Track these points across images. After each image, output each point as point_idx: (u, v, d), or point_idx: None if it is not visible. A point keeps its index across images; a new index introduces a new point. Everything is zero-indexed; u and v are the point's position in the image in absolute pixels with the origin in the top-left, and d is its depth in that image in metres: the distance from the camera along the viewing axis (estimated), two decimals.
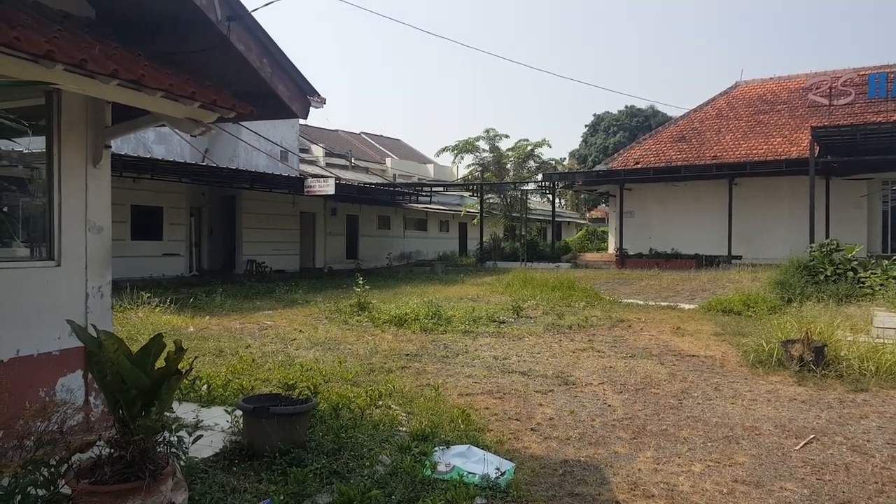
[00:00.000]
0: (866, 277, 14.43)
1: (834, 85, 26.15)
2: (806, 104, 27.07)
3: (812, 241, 18.60)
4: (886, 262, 15.20)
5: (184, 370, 3.60)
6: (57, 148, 4.52)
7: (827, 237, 19.13)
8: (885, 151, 21.08)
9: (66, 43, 3.65)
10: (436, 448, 4.76)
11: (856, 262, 15.21)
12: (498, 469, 4.42)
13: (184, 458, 3.80)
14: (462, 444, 4.87)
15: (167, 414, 3.70)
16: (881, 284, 13.95)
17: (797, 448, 5.23)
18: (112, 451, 3.28)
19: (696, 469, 4.76)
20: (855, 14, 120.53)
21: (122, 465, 3.24)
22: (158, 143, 22.01)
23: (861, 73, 26.35)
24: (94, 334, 3.40)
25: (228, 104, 4.65)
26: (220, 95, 4.60)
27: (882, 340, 8.48)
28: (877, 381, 7.25)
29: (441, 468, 4.40)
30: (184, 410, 5.35)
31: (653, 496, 4.27)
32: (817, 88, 26.67)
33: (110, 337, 3.38)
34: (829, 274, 14.85)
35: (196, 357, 7.10)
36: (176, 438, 3.69)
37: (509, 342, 9.99)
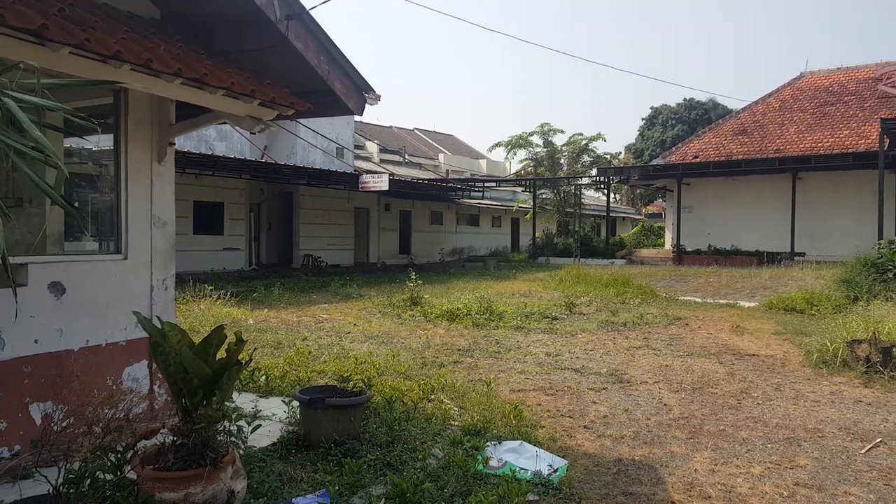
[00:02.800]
0: None
1: None
2: (875, 95, 25.84)
3: (880, 237, 17.74)
4: None
5: (243, 361, 3.70)
6: (124, 145, 4.71)
7: None
8: None
9: (132, 43, 3.79)
10: (488, 443, 4.76)
11: None
12: (550, 466, 4.39)
13: (243, 446, 3.91)
14: (514, 439, 4.86)
15: (227, 404, 3.82)
16: None
17: (863, 452, 5.01)
18: (175, 438, 3.40)
19: (755, 471, 4.62)
20: None
21: (185, 453, 3.35)
22: (219, 140, 22.68)
23: None
24: (159, 325, 3.53)
25: (287, 102, 4.75)
26: (278, 93, 4.70)
27: None
28: None
29: (493, 463, 4.40)
30: (243, 400, 5.51)
31: (710, 497, 4.16)
32: (888, 78, 25.44)
33: (174, 328, 3.51)
34: None
35: (255, 349, 7.28)
36: (235, 428, 3.79)
37: (562, 339, 9.89)
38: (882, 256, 14.79)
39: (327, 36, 5.19)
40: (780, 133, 26.75)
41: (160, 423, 3.71)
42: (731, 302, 14.68)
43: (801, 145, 25.25)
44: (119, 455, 3.30)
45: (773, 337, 10.07)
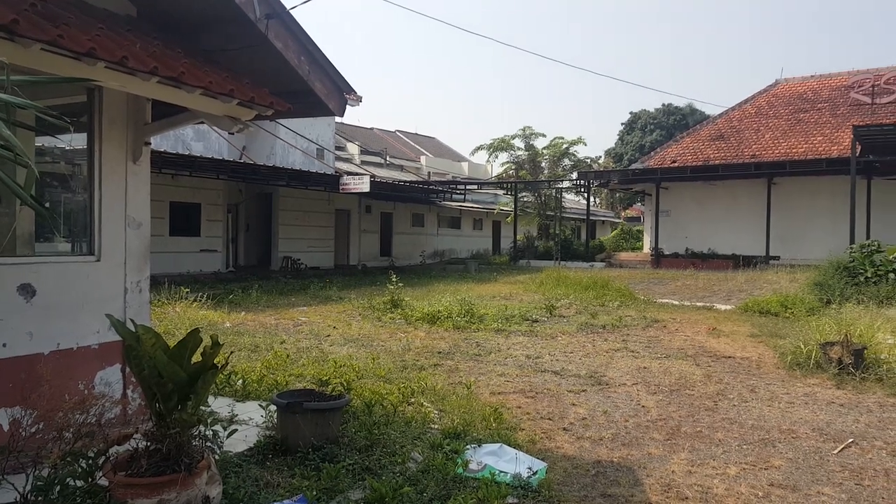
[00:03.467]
0: None
1: (877, 83, 25.41)
2: (848, 102, 26.38)
3: (852, 241, 18.09)
4: None
5: (220, 365, 3.65)
6: (98, 144, 4.62)
7: (868, 238, 18.56)
8: None
9: (107, 41, 3.73)
10: (467, 446, 4.75)
11: None
12: (530, 468, 4.39)
13: (218, 451, 3.86)
14: (494, 442, 4.85)
15: (203, 408, 3.76)
16: None
17: (835, 452, 5.09)
18: (149, 444, 3.34)
19: (731, 472, 4.67)
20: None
21: (159, 458, 3.29)
22: (197, 140, 22.43)
23: None
24: (133, 328, 3.47)
25: (266, 101, 4.70)
26: (257, 93, 4.65)
27: None
28: None
29: (473, 466, 4.39)
30: (219, 405, 5.44)
31: (686, 498, 4.19)
32: (860, 87, 25.96)
33: (148, 331, 3.45)
34: (869, 275, 14.43)
35: (232, 352, 7.19)
36: (211, 432, 3.75)
37: (542, 341, 9.92)
38: (854, 260, 15.08)
39: (308, 36, 5.16)
40: (755, 139, 27.16)
41: (133, 429, 3.64)
42: (707, 304, 14.84)
43: (777, 151, 25.67)
44: (90, 461, 3.23)
45: (749, 339, 10.20)
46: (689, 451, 5.09)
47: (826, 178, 23.73)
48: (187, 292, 12.84)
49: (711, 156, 26.93)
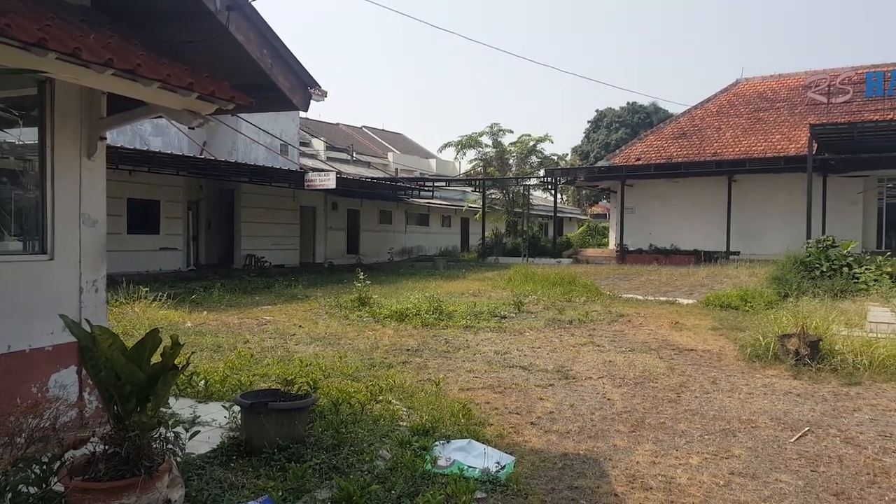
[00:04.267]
0: (861, 273, 14.46)
1: (832, 83, 26.10)
2: (805, 102, 27.05)
3: (809, 237, 18.60)
4: (881, 258, 15.25)
5: (180, 365, 3.57)
6: (50, 139, 4.47)
7: (823, 233, 19.14)
8: (882, 149, 21.05)
9: (59, 31, 3.60)
10: (436, 443, 4.74)
11: (851, 258, 15.26)
12: (498, 463, 4.40)
13: (180, 454, 3.77)
14: (462, 438, 4.85)
15: (163, 410, 3.67)
16: (875, 280, 13.98)
17: (792, 441, 5.22)
18: (106, 447, 3.24)
19: (693, 462, 4.75)
20: (854, 12, 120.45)
21: (117, 462, 3.21)
22: (155, 135, 21.93)
23: (859, 71, 26.33)
24: (88, 329, 3.37)
25: (227, 96, 4.60)
26: (218, 87, 4.55)
27: (875, 335, 8.50)
28: (870, 375, 7.27)
29: (441, 462, 4.38)
30: (181, 406, 5.33)
31: (651, 489, 4.25)
32: (816, 86, 26.63)
33: (104, 332, 3.35)
34: (824, 270, 14.89)
35: (193, 352, 7.09)
36: (172, 434, 3.66)
37: (510, 337, 9.97)
38: (810, 255, 15.54)
39: (270, 29, 5.06)
40: (717, 137, 27.71)
41: (90, 432, 3.54)
42: (670, 299, 15.11)
43: (737, 149, 26.22)
44: (44, 466, 3.13)
45: (710, 332, 10.41)
46: (653, 443, 5.17)
47: (784, 175, 24.32)
48: (146, 292, 12.56)
49: (674, 154, 27.39)
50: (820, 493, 4.21)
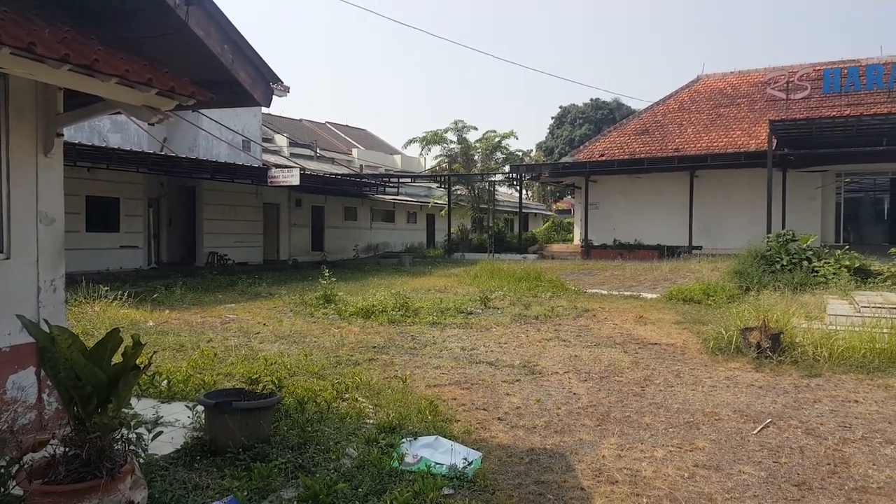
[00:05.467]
0: (820, 266, 14.87)
1: (791, 80, 26.75)
2: (764, 98, 27.66)
3: (769, 231, 19.06)
4: (839, 251, 15.69)
5: (142, 365, 3.51)
6: (4, 136, 4.33)
7: (783, 228, 19.63)
8: (839, 145, 21.71)
9: (12, 25, 3.48)
10: (403, 440, 4.74)
11: (810, 252, 15.67)
12: (465, 459, 4.42)
13: (143, 455, 3.71)
14: (430, 435, 4.86)
15: (125, 411, 3.61)
16: (834, 273, 14.39)
17: (755, 432, 5.36)
18: (67, 449, 3.18)
19: (658, 455, 4.84)
20: (810, 9, 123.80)
21: (78, 464, 3.14)
22: (114, 131, 21.40)
23: (817, 68, 27.03)
24: (47, 329, 3.29)
25: (187, 91, 4.51)
26: (178, 82, 4.46)
27: (834, 327, 8.75)
28: (829, 367, 7.48)
29: (408, 459, 4.38)
30: (143, 407, 5.22)
31: (617, 482, 4.32)
32: (775, 83, 27.24)
33: (64, 332, 3.27)
34: (785, 263, 15.27)
35: (155, 352, 6.95)
36: (134, 435, 3.60)
37: (477, 333, 10.01)
38: (771, 249, 15.93)
39: (231, 24, 4.98)
40: (678, 133, 28.20)
41: (50, 434, 3.46)
42: (634, 294, 15.35)
43: (698, 145, 26.73)
44: (2, 470, 3.05)
45: (674, 326, 10.61)
46: (618, 436, 5.25)
47: (745, 170, 24.87)
48: (107, 291, 12.26)
49: (637, 150, 27.79)
50: (782, 483, 4.33)
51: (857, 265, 14.95)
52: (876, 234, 26.24)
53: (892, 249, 15.46)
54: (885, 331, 7.99)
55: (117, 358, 3.40)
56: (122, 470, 3.18)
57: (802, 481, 4.35)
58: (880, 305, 9.68)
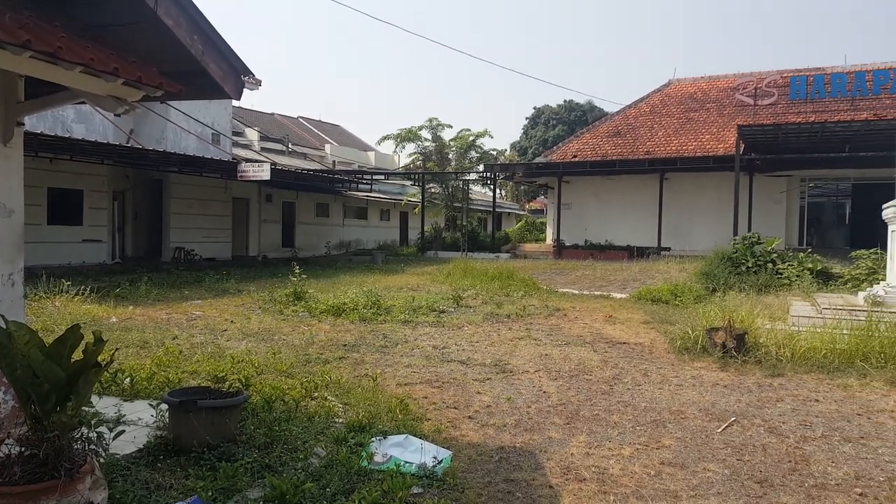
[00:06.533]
0: (784, 269, 15.22)
1: (759, 86, 27.28)
2: (733, 103, 28.15)
3: (736, 234, 19.43)
4: (802, 254, 16.08)
5: (104, 362, 3.42)
6: None
7: (749, 231, 20.05)
8: (804, 150, 22.24)
9: None
10: (373, 439, 4.70)
11: (775, 255, 16.02)
12: (435, 458, 4.40)
13: (104, 454, 3.62)
14: (400, 433, 4.83)
15: (85, 409, 3.51)
16: (797, 275, 14.74)
17: (719, 431, 5.44)
18: (23, 449, 3.07)
19: (625, 452, 4.89)
20: (779, 18, 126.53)
21: (35, 464, 3.05)
22: (78, 121, 20.87)
23: (784, 75, 27.60)
24: (3, 325, 3.18)
25: (155, 82, 4.40)
26: (145, 72, 4.35)
27: (797, 328, 8.94)
28: (792, 367, 7.64)
29: (378, 459, 4.35)
30: (105, 405, 5.09)
31: (584, 480, 4.35)
32: (744, 89, 27.75)
33: (21, 328, 3.17)
34: (750, 265, 15.59)
35: (118, 349, 6.80)
36: (95, 434, 3.51)
37: (449, 331, 10.00)
38: (737, 251, 16.25)
39: (202, 14, 4.87)
40: (649, 136, 28.57)
41: (5, 434, 3.35)
42: (604, 293, 15.51)
43: (668, 148, 27.12)
44: None
45: (642, 326, 10.74)
46: (587, 434, 5.29)
47: (713, 174, 25.29)
48: (68, 285, 11.96)
49: (609, 151, 28.08)
50: (745, 480, 4.40)
51: (819, 268, 15.35)
52: (838, 238, 26.97)
53: (853, 253, 15.87)
54: (844, 332, 8.19)
55: (78, 355, 3.31)
56: (82, 470, 3.10)
57: (765, 478, 4.43)
58: (841, 307, 9.92)
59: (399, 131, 34.97)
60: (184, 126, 22.69)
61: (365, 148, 46.56)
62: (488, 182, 34.99)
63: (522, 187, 48.59)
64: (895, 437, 5.30)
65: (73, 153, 18.32)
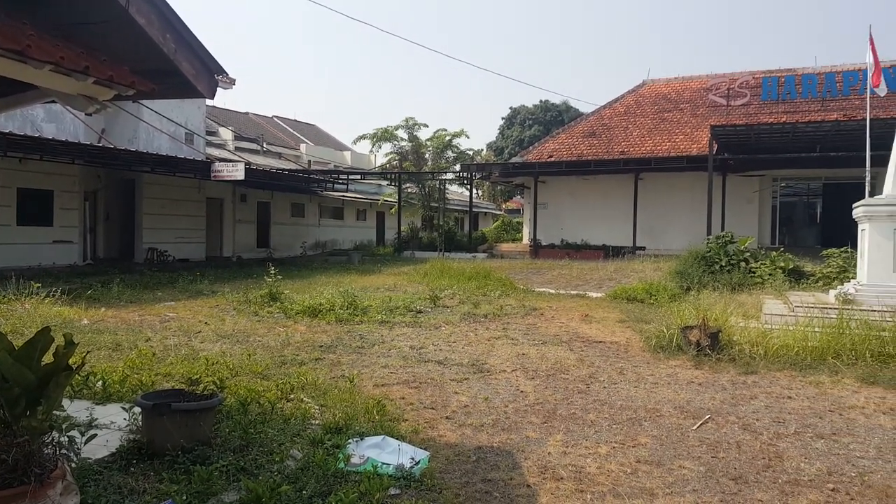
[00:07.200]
0: (757, 267, 15.48)
1: (731, 86, 27.69)
2: (706, 104, 28.53)
3: (709, 233, 19.70)
4: (774, 253, 16.37)
5: (75, 365, 3.37)
6: None
7: (723, 230, 20.35)
8: (776, 150, 22.64)
9: None
10: (350, 440, 4.67)
11: (748, 254, 16.29)
12: (412, 458, 4.39)
13: (76, 459, 3.55)
14: (377, 435, 4.81)
15: (57, 413, 3.46)
16: (769, 274, 15.00)
17: (694, 428, 5.51)
18: None
19: (602, 451, 4.92)
20: (751, 19, 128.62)
21: (4, 470, 2.99)
22: (49, 121, 20.47)
23: (756, 76, 28.06)
24: None
25: (127, 81, 4.33)
26: (117, 71, 4.27)
27: (770, 326, 9.10)
28: (765, 364, 7.76)
29: (355, 460, 4.33)
30: (76, 409, 4.99)
31: (562, 479, 4.37)
32: (717, 89, 28.14)
33: None
34: (723, 264, 15.82)
35: (90, 351, 6.69)
36: (66, 439, 3.44)
37: (426, 332, 9.99)
38: (710, 250, 16.48)
39: (174, 12, 4.80)
40: (624, 136, 28.85)
41: None
42: (581, 293, 15.62)
43: (643, 148, 27.41)
44: None
45: (618, 325, 10.84)
46: (564, 433, 5.32)
47: (687, 174, 25.61)
48: (38, 287, 11.72)
49: (584, 151, 28.29)
50: (720, 478, 4.46)
51: (791, 266, 15.63)
52: (809, 237, 27.49)
53: (824, 251, 16.20)
54: (816, 330, 8.34)
55: (48, 358, 3.26)
56: (53, 475, 3.05)
57: (739, 475, 4.49)
58: (812, 305, 10.11)
59: (375, 131, 34.87)
60: (157, 125, 22.37)
61: (341, 147, 46.34)
62: (465, 182, 35.05)
63: (499, 187, 48.74)
64: (866, 434, 5.41)
65: (43, 153, 17.98)
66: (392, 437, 4.80)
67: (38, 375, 3.14)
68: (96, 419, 4.74)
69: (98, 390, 5.76)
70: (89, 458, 3.98)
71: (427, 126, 35.52)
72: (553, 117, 58.86)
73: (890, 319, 8.67)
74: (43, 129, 19.70)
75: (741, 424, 5.63)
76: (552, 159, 28.17)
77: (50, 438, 3.24)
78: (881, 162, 12.44)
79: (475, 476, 4.38)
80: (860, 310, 9.26)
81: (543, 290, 16.23)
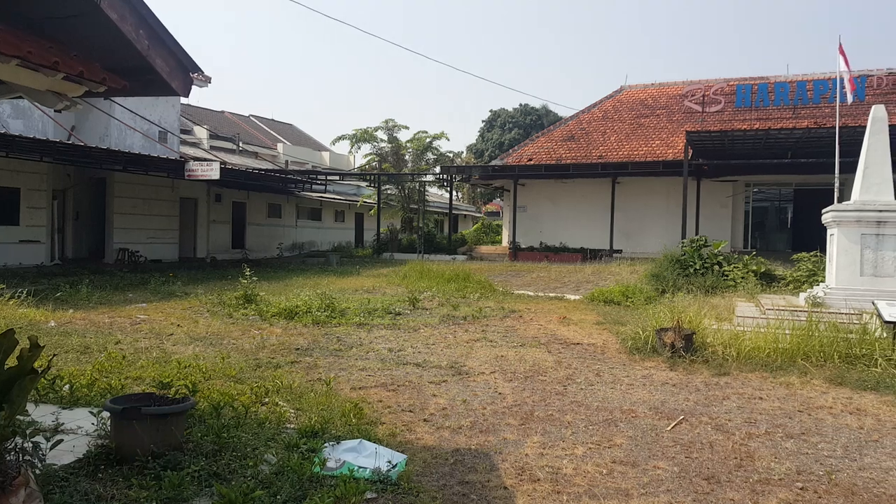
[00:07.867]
0: (730, 271, 15.69)
1: (706, 93, 28.11)
2: (682, 110, 28.94)
3: (684, 237, 19.97)
4: (747, 257, 16.62)
5: (40, 369, 3.27)
6: None
7: (697, 234, 20.60)
8: (749, 156, 23.02)
9: None
10: (325, 444, 4.62)
11: (721, 257, 16.53)
12: (389, 462, 4.35)
13: (40, 465, 3.45)
14: (353, 438, 4.76)
15: (21, 418, 3.35)
16: (742, 277, 15.21)
17: (668, 429, 5.55)
18: None
19: (578, 452, 4.93)
20: (727, 28, 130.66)
21: None
22: (16, 117, 20.05)
23: (730, 83, 28.53)
24: None
25: (98, 77, 4.23)
26: (87, 67, 4.18)
27: (742, 328, 9.22)
28: (737, 366, 7.86)
29: (331, 464, 4.28)
30: (42, 413, 4.87)
31: (539, 480, 4.36)
32: (692, 96, 28.55)
33: None
34: (698, 267, 16.03)
35: (56, 354, 6.53)
36: (30, 445, 3.35)
37: (405, 334, 9.94)
38: (685, 254, 16.69)
39: (148, 8, 4.71)
40: (602, 140, 29.09)
41: None
42: (559, 295, 15.69)
43: (620, 153, 27.67)
44: None
45: (595, 327, 10.89)
46: (541, 434, 5.32)
47: (663, 178, 25.93)
48: (3, 288, 11.45)
49: (563, 155, 28.47)
50: (693, 477, 4.49)
51: (763, 270, 15.89)
52: (780, 241, 27.99)
53: (795, 255, 16.49)
54: (787, 332, 8.47)
55: (12, 361, 3.17)
56: (15, 483, 2.95)
57: (712, 475, 4.53)
58: (783, 308, 10.27)
59: (355, 132, 34.67)
60: (129, 123, 22.03)
61: (319, 148, 46.06)
62: (445, 184, 35.03)
63: (479, 189, 48.79)
64: (833, 433, 5.50)
65: (9, 150, 17.59)
66: (369, 440, 4.76)
67: (1, 379, 3.05)
68: (63, 424, 4.63)
69: (65, 394, 5.62)
70: (55, 465, 3.86)
71: (407, 128, 35.45)
72: (533, 121, 59.21)
73: (857, 322, 8.84)
74: (10, 126, 19.28)
75: (714, 425, 5.68)
76: (532, 162, 28.30)
77: (13, 444, 3.16)
78: (850, 168, 12.68)
79: (452, 478, 4.35)
80: (829, 312, 9.43)
81: (522, 292, 16.27)
